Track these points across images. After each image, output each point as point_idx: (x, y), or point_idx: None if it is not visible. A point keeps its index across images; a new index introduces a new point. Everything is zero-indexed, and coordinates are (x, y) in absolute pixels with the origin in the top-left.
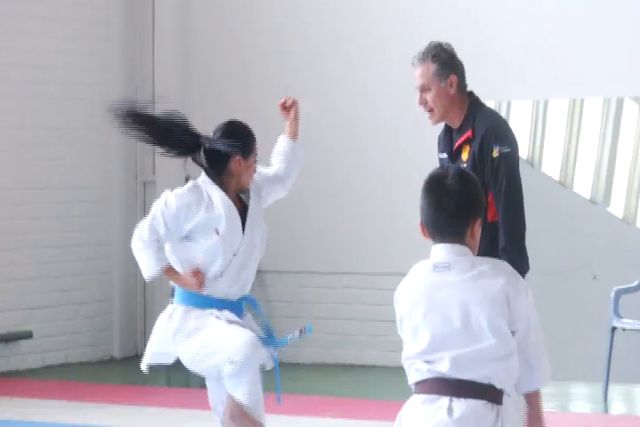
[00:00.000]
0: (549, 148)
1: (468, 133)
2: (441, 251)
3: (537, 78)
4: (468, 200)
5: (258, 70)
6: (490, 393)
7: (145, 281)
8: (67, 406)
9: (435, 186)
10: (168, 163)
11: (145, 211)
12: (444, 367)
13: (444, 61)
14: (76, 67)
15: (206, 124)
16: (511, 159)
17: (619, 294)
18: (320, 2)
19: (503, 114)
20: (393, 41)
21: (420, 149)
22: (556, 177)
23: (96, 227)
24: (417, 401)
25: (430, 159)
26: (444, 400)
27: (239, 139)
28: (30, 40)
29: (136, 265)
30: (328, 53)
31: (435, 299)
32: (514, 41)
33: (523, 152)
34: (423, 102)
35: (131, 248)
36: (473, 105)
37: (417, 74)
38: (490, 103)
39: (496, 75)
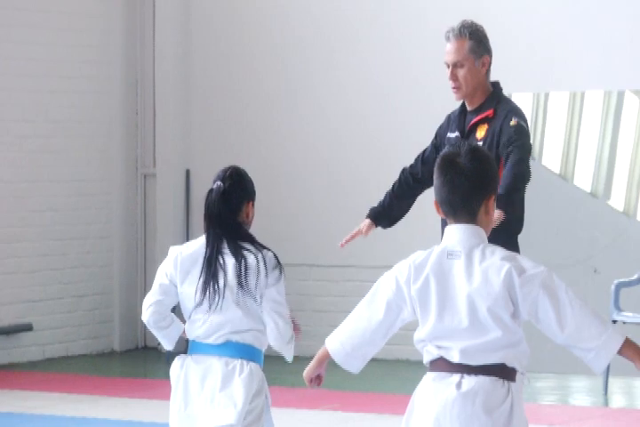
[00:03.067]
0: (550, 141)
1: (488, 113)
2: (454, 234)
3: (537, 71)
4: (481, 178)
5: (260, 58)
6: (501, 370)
7: (145, 274)
8: (67, 398)
9: (447, 165)
10: (168, 156)
11: (145, 203)
12: (454, 358)
13: (480, 40)
14: (77, 60)
15: (207, 114)
16: (526, 134)
17: (619, 287)
18: None
19: None
20: (393, 38)
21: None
22: (557, 170)
23: (97, 220)
24: (429, 378)
25: None
26: (455, 377)
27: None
28: (31, 33)
29: (136, 258)
30: (333, 41)
31: (446, 289)
32: (514, 34)
33: None
34: (454, 78)
35: (130, 242)
36: (496, 92)
37: (451, 48)
38: None
39: (496, 68)
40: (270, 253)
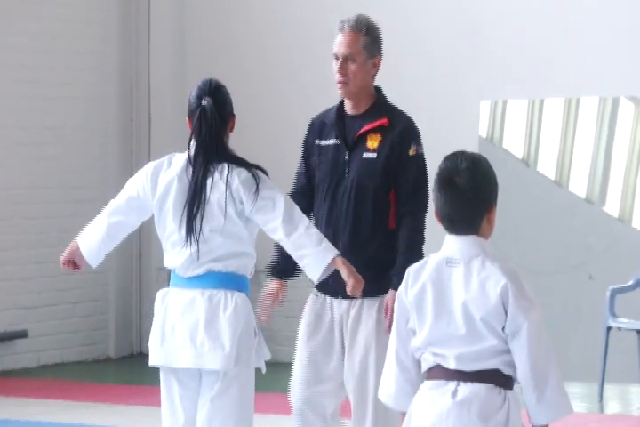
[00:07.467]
0: (545, 147)
1: (382, 121)
2: (454, 243)
3: (532, 78)
4: (482, 195)
5: (256, 66)
6: (497, 378)
7: (140, 281)
8: (62, 405)
9: (447, 185)
10: None
11: None
12: (450, 365)
13: (376, 39)
14: (72, 67)
15: None
16: (424, 161)
17: (614, 293)
18: None
19: (499, 113)
20: (388, 40)
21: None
22: (552, 176)
23: None
24: (426, 387)
25: (433, 164)
26: (451, 385)
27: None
28: (26, 39)
29: (131, 265)
30: (320, 45)
31: (443, 296)
32: (510, 41)
33: (518, 152)
34: (343, 71)
35: (125, 248)
36: (382, 97)
37: (345, 40)
38: (486, 103)
39: (492, 74)
40: (245, 172)
